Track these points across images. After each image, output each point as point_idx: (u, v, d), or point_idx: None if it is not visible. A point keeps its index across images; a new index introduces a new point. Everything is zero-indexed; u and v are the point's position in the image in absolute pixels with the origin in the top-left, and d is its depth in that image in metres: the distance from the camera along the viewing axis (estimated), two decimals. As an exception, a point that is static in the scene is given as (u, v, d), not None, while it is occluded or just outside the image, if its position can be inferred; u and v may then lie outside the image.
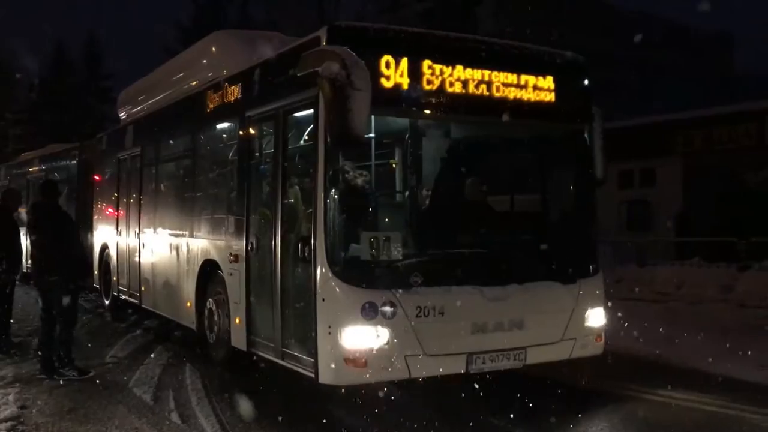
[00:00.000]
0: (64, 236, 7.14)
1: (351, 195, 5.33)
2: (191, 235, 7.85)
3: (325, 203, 5.22)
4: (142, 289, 9.31)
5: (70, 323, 7.20)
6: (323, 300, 5.24)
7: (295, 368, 5.62)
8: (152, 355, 8.01)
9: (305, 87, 5.43)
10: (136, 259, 9.47)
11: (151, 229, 9.09)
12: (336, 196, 5.25)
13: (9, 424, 5.36)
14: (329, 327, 5.19)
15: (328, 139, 5.16)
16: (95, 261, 11.18)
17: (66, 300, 7.03)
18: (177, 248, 8.21)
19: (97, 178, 11.44)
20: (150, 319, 9.78)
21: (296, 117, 5.91)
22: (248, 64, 6.85)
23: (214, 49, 8.29)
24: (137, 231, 9.49)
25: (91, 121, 34.15)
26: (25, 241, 12.77)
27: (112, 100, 39.17)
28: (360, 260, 5.25)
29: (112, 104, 37.60)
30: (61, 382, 6.78)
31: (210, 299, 7.35)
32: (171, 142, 8.85)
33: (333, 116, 4.84)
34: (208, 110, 7.58)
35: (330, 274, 5.18)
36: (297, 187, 5.95)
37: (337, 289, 5.18)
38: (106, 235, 10.87)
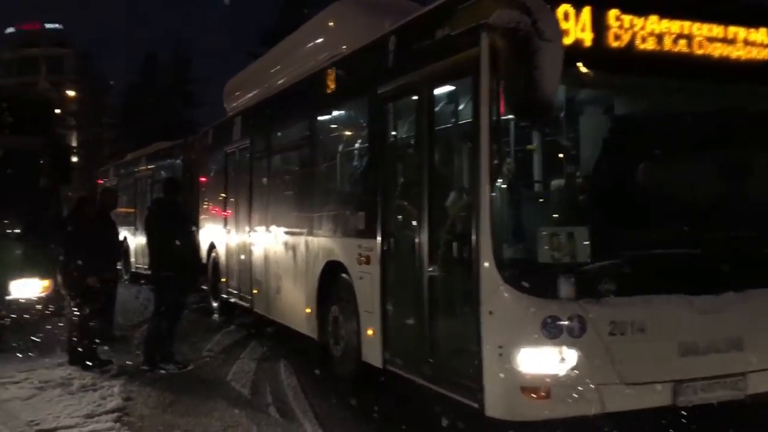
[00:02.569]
0: (180, 234, 7.12)
1: (524, 181, 4.26)
2: (310, 233, 6.98)
3: (491, 192, 4.17)
4: (254, 292, 8.56)
5: (175, 320, 7.28)
6: (491, 313, 4.19)
7: (450, 395, 4.60)
8: (247, 350, 8.01)
9: (460, 49, 4.44)
10: (247, 259, 8.74)
11: (264, 227, 8.32)
12: (505, 183, 4.19)
13: (115, 415, 5.50)
14: (500, 347, 4.13)
15: (496, 113, 4.13)
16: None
17: (175, 297, 7.19)
18: (294, 248, 7.38)
19: (203, 173, 10.83)
20: (270, 326, 9.04)
21: (446, 89, 4.91)
22: (373, 34, 5.90)
23: (332, 23, 7.39)
24: (248, 229, 8.76)
25: (178, 124, 34.77)
26: (133, 238, 12.46)
27: (198, 103, 40.59)
28: (538, 263, 4.15)
29: (198, 108, 38.84)
30: (163, 374, 6.88)
31: (334, 306, 6.45)
32: (285, 130, 8.05)
33: (512, 79, 3.78)
34: (329, 91, 6.68)
35: (500, 281, 4.12)
36: (448, 174, 4.93)
37: (510, 300, 4.12)
38: (214, 234, 10.20)
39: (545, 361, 4.06)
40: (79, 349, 7.09)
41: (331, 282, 6.47)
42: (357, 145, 6.32)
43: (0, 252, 7.46)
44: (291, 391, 6.25)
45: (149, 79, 38.75)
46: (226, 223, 9.65)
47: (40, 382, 6.52)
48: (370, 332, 5.68)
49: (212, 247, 10.24)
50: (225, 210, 9.65)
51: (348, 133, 6.61)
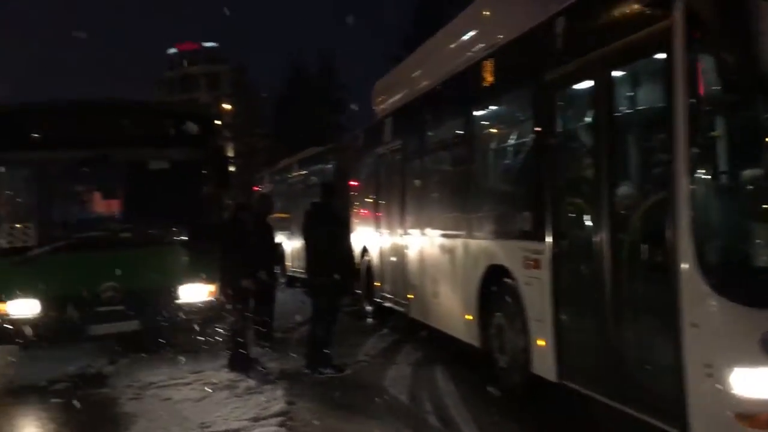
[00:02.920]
0: (336, 238, 7.13)
1: (730, 171, 3.64)
2: (469, 236, 6.61)
3: (691, 184, 3.60)
4: (410, 297, 8.33)
5: (332, 323, 7.25)
6: (695, 326, 3.61)
7: (643, 417, 4.05)
8: (402, 355, 7.85)
9: (646, 22, 3.92)
10: (401, 263, 8.54)
11: (418, 230, 8.08)
12: (709, 174, 3.60)
13: (279, 419, 5.53)
14: (707, 366, 3.54)
15: (694, 93, 3.56)
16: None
17: (331, 301, 7.18)
18: (451, 251, 7.05)
19: (354, 176, 10.83)
20: (423, 330, 8.79)
21: (629, 69, 4.35)
22: (533, 20, 5.43)
23: (486, 12, 6.98)
24: (401, 232, 8.57)
25: (327, 130, 35.68)
26: (288, 242, 12.70)
27: (344, 109, 41.61)
28: (753, 268, 3.52)
29: (345, 114, 39.83)
30: (322, 378, 6.87)
31: (498, 313, 6.04)
32: (439, 128, 7.73)
33: (727, 50, 3.20)
34: (486, 84, 6.29)
35: (707, 289, 3.53)
36: (633, 165, 4.38)
37: (720, 311, 3.52)
38: (366, 237, 10.14)
39: (767, 383, 3.42)
40: (240, 352, 7.22)
41: (494, 287, 6.06)
42: (520, 139, 5.87)
43: (169, 258, 7.76)
44: (450, 399, 5.98)
45: (297, 89, 40.21)
46: (378, 225, 9.55)
47: (209, 385, 6.70)
48: (541, 342, 5.22)
49: (365, 250, 10.18)
50: (377, 212, 9.56)
51: (509, 126, 6.18)
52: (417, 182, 8.22)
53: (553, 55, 5.05)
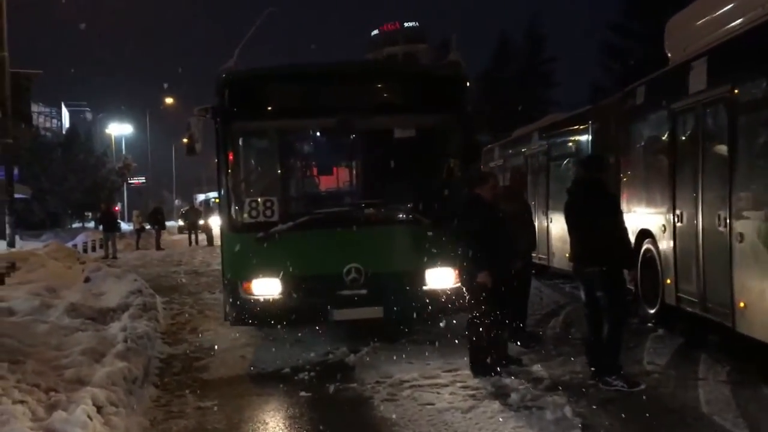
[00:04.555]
0: (609, 221, 5.88)
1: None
2: None
3: None
4: (741, 305, 5.91)
5: (618, 322, 5.90)
6: None
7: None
8: (702, 367, 6.21)
9: None
10: (725, 258, 6.20)
11: (751, 210, 5.84)
12: None
13: None
14: None
15: None
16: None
17: (607, 295, 5.84)
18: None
19: (625, 143, 8.80)
20: (713, 334, 7.07)
21: None
22: None
23: None
24: (726, 215, 6.22)
25: (536, 106, 33.56)
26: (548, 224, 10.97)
27: (555, 83, 38.79)
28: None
29: (555, 88, 36.89)
30: (612, 393, 5.54)
31: None
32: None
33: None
34: None
35: None
36: None
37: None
38: (648, 220, 8.03)
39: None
40: (480, 357, 6.14)
41: None
42: None
43: (417, 238, 6.84)
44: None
45: (504, 63, 38.48)
46: (673, 205, 7.38)
47: (470, 389, 5.72)
48: None
49: (645, 236, 8.11)
50: (672, 187, 7.41)
51: None
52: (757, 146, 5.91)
53: None
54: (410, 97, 7.06)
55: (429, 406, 5.34)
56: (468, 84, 7.22)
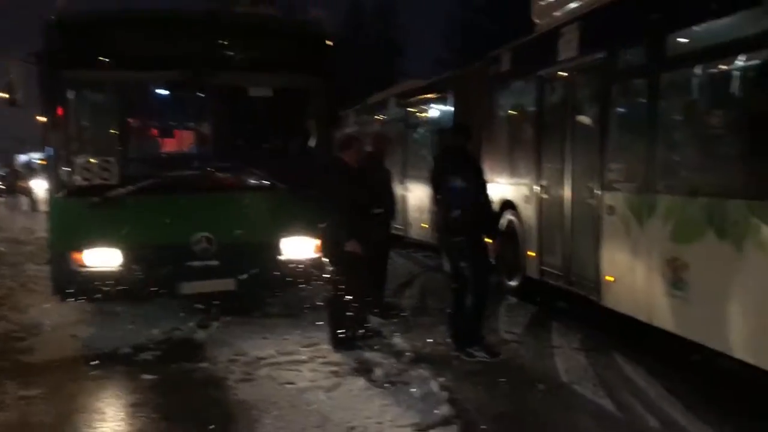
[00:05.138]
0: (473, 190, 5.76)
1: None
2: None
3: None
4: (607, 279, 5.89)
5: (483, 293, 5.84)
6: None
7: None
8: (555, 334, 6.36)
9: None
10: (595, 231, 6.04)
11: (635, 184, 5.55)
12: None
13: (453, 428, 4.24)
14: None
15: None
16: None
17: (472, 265, 5.76)
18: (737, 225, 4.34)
19: (489, 111, 8.51)
20: (561, 300, 7.30)
21: None
22: None
23: None
24: (595, 185, 6.10)
25: (386, 75, 33.78)
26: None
27: (404, 52, 39.45)
28: None
29: (404, 57, 37.43)
30: (475, 364, 5.52)
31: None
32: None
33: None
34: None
35: None
36: None
37: None
38: (509, 191, 7.87)
39: None
40: (341, 330, 5.91)
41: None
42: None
43: (272, 205, 6.41)
44: (664, 401, 4.61)
45: (354, 31, 38.30)
46: (538, 176, 7.23)
47: (333, 366, 5.43)
48: None
49: (506, 206, 7.93)
50: (535, 158, 7.27)
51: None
52: (643, 113, 5.54)
53: None
54: (268, 52, 6.50)
55: (289, 386, 4.99)
56: (331, 44, 6.79)
